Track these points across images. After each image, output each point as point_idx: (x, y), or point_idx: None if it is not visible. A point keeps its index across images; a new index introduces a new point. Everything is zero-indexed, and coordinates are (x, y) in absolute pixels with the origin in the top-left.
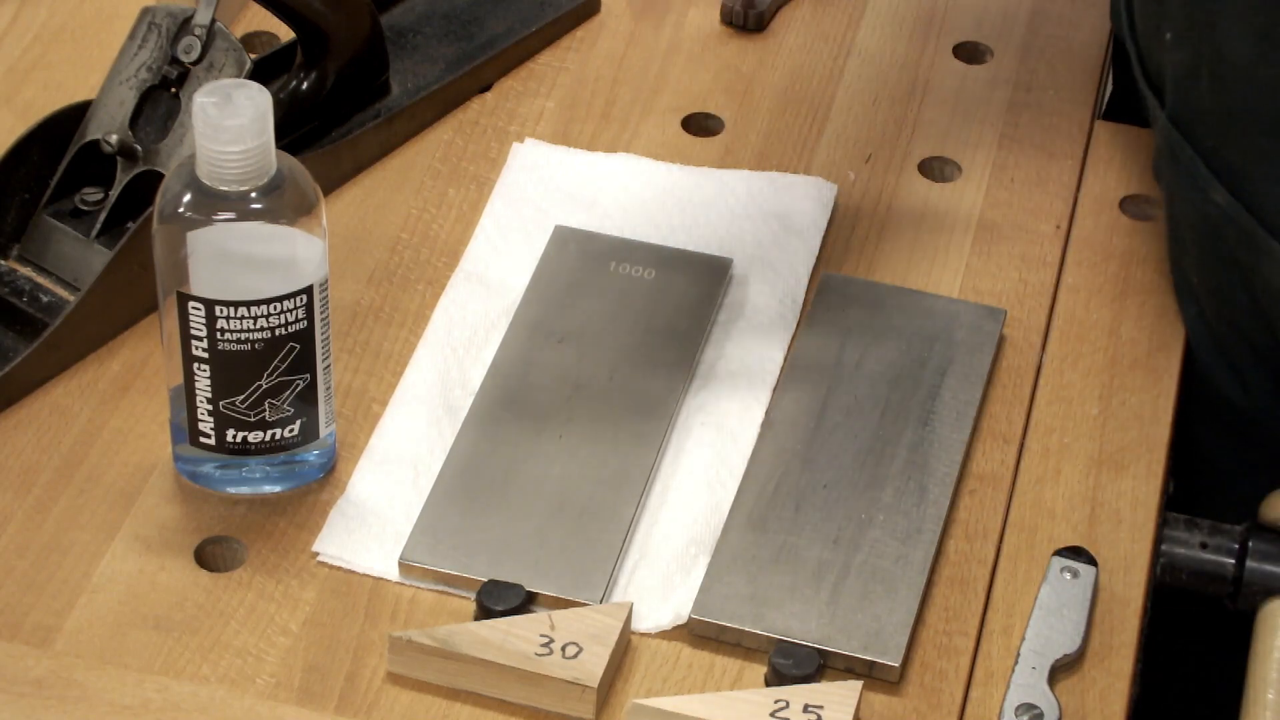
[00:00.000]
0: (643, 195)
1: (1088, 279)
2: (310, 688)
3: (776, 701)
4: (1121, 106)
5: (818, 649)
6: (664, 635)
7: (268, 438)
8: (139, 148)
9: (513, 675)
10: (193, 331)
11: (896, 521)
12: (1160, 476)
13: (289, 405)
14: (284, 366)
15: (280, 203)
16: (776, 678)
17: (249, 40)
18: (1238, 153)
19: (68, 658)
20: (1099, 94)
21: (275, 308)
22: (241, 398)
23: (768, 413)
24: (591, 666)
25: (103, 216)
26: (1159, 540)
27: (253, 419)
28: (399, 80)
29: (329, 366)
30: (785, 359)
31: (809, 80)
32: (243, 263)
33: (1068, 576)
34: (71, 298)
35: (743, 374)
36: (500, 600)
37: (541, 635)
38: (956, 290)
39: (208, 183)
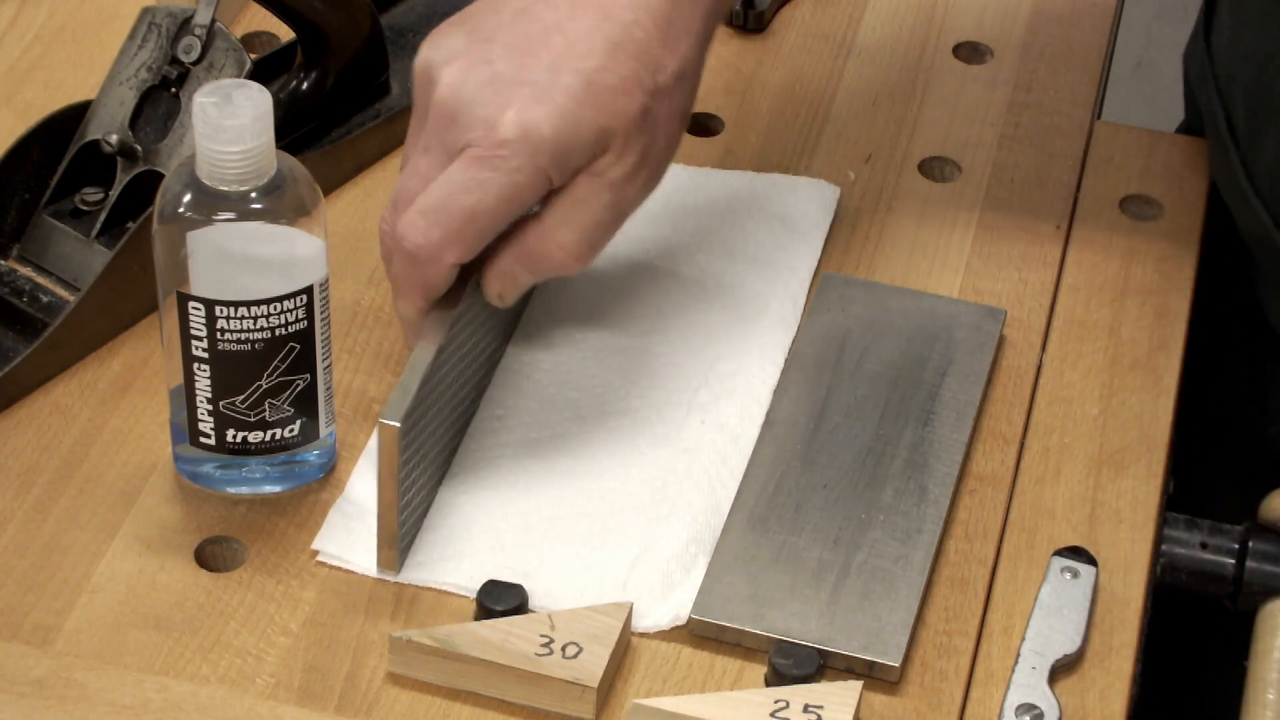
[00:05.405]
0: None
1: (1088, 279)
2: (310, 688)
3: (776, 701)
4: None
5: (818, 649)
6: (664, 635)
7: (268, 438)
8: (139, 148)
9: (513, 675)
10: (193, 331)
11: (896, 521)
12: (1160, 476)
13: (289, 405)
14: (284, 366)
15: (280, 203)
16: (776, 678)
17: (249, 40)
18: None
19: (68, 658)
20: (1099, 94)
21: (275, 308)
22: (241, 398)
23: (768, 413)
24: (591, 667)
25: (103, 216)
26: (1159, 540)
27: (253, 419)
28: (399, 80)
29: (329, 366)
30: (785, 359)
31: (809, 80)
32: (243, 263)
33: (1068, 576)
34: (71, 298)
35: (742, 374)
36: (500, 600)
37: (541, 635)
38: (956, 290)
39: (208, 183)
